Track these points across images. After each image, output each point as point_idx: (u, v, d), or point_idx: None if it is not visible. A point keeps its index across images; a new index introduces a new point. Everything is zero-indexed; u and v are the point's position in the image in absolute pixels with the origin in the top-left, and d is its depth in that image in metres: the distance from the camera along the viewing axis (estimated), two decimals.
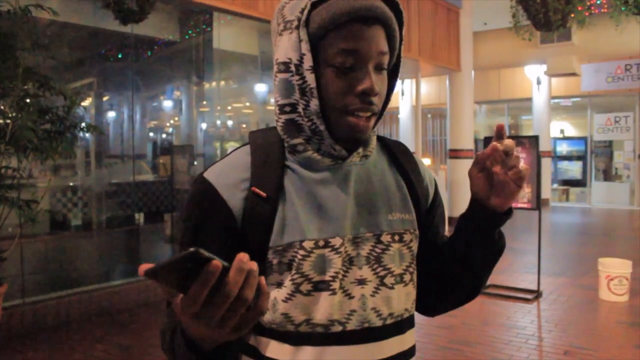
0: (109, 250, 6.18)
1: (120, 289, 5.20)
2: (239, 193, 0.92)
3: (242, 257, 0.60)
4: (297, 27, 0.89)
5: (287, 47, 0.91)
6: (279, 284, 0.91)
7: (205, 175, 0.94)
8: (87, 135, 5.90)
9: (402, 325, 0.97)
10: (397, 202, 1.00)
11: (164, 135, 11.15)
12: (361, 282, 0.93)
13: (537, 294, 5.49)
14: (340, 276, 0.91)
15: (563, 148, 15.93)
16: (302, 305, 0.90)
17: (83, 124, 4.57)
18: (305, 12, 0.89)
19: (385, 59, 0.93)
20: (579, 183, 15.37)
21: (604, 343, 4.30)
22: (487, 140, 5.95)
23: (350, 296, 0.92)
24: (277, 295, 0.91)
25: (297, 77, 0.90)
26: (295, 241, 0.90)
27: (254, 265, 0.62)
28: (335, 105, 0.90)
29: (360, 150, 0.97)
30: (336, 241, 0.91)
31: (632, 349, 4.13)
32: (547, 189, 13.91)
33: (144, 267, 0.56)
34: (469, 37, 10.53)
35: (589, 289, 5.74)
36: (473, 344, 4.25)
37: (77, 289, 5.10)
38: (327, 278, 0.90)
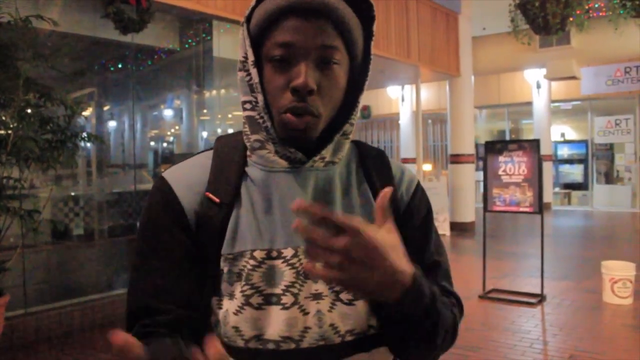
0: (111, 259, 6.17)
1: (122, 298, 5.19)
2: (193, 195, 0.89)
3: None
4: (243, 24, 0.89)
5: (239, 45, 0.91)
6: (231, 295, 0.86)
7: (164, 174, 0.92)
8: (88, 144, 5.91)
9: (367, 342, 0.89)
10: (361, 213, 0.93)
11: (164, 144, 11.16)
12: (317, 296, 0.87)
13: (540, 298, 5.47)
14: (295, 290, 0.86)
15: (564, 152, 15.91)
16: (252, 319, 0.85)
17: (84, 134, 4.59)
18: (249, 8, 0.88)
19: (333, 54, 0.85)
20: (581, 186, 15.35)
21: (609, 346, 4.28)
22: (488, 145, 5.95)
23: (305, 312, 0.86)
24: (228, 307, 0.86)
25: (245, 74, 0.89)
26: (247, 250, 0.86)
27: None
28: (274, 102, 0.86)
29: (327, 155, 0.91)
30: (288, 252, 0.86)
31: (637, 352, 4.11)
32: (549, 193, 13.89)
33: (119, 338, 0.56)
34: (468, 42, 10.56)
35: (593, 292, 5.73)
36: (477, 349, 4.23)
37: (79, 299, 5.09)
38: (278, 291, 0.85)
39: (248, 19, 0.89)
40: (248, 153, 0.93)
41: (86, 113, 5.62)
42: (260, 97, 0.87)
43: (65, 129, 4.30)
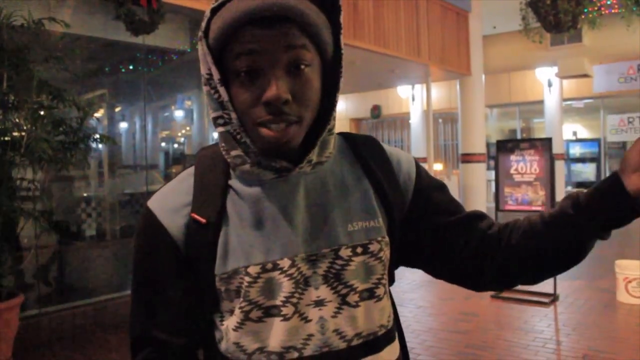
0: (123, 259, 6.21)
1: None
2: (180, 219, 0.86)
3: None
4: (201, 39, 0.82)
5: (200, 60, 0.85)
6: (232, 312, 0.86)
7: (148, 203, 0.89)
8: (100, 146, 5.94)
9: (376, 343, 0.89)
10: (359, 209, 0.90)
11: (175, 145, 11.22)
12: (319, 303, 0.85)
13: (553, 297, 5.44)
14: (294, 299, 0.84)
15: (576, 150, 15.80)
16: (253, 333, 0.84)
17: (96, 135, 4.62)
18: (205, 21, 0.81)
19: (302, 55, 0.79)
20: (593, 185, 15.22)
21: (623, 346, 4.24)
22: (500, 144, 5.92)
23: (307, 320, 0.85)
24: (228, 323, 0.86)
25: (213, 91, 0.83)
26: (240, 267, 0.83)
27: None
28: (246, 118, 0.81)
29: (313, 157, 0.86)
30: (284, 263, 0.84)
31: None
32: (561, 192, 13.78)
33: None
34: (478, 41, 10.50)
35: (607, 291, 5.68)
36: (489, 349, 4.21)
37: (92, 299, 5.13)
38: (277, 302, 0.83)
39: (205, 33, 0.82)
40: (230, 165, 0.89)
41: (98, 114, 5.66)
42: (233, 115, 0.82)
43: (78, 131, 4.34)
